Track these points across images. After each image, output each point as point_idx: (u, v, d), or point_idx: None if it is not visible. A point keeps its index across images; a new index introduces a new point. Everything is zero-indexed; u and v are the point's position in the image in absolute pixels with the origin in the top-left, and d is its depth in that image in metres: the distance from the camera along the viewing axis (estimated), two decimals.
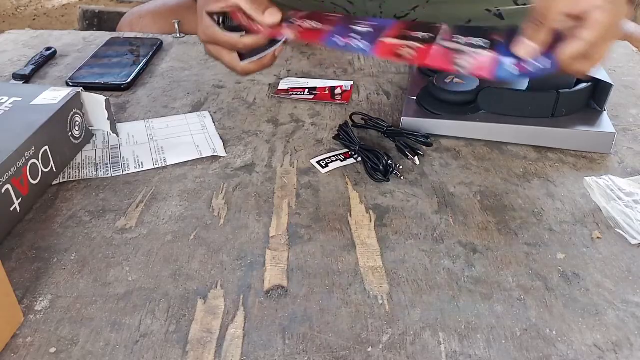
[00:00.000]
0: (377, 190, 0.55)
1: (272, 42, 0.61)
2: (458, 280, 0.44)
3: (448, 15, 0.98)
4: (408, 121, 0.63)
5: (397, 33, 0.56)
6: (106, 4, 3.04)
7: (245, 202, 0.53)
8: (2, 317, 0.38)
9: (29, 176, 0.51)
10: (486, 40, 0.53)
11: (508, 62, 0.50)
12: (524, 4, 0.96)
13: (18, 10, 3.22)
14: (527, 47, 0.50)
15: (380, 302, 0.42)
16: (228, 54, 0.62)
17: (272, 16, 0.59)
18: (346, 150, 0.61)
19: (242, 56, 0.62)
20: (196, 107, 0.70)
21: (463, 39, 0.54)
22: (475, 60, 0.51)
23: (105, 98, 0.61)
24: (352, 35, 0.56)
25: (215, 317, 0.41)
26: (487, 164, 0.59)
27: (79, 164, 0.59)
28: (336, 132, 0.63)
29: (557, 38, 0.50)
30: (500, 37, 0.54)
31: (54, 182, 0.56)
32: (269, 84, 0.76)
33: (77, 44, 0.89)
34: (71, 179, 0.56)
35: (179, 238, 0.49)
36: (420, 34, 0.55)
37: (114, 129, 0.63)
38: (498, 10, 0.96)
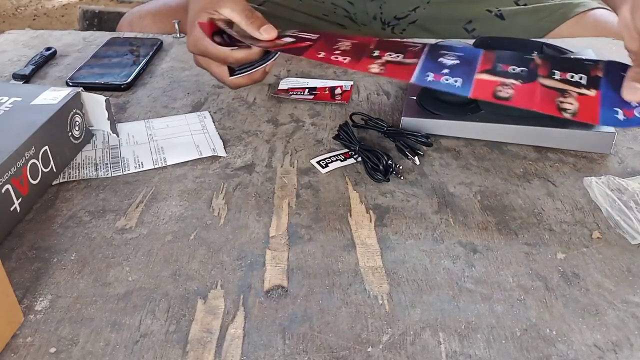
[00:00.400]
0: (377, 190, 0.55)
1: (264, 57, 0.61)
2: (458, 280, 0.44)
3: (449, 16, 0.98)
4: (408, 121, 0.63)
5: (488, 66, 0.52)
6: (106, 4, 3.04)
7: (245, 202, 0.53)
8: (2, 317, 0.38)
9: (29, 176, 0.51)
10: (584, 76, 0.49)
11: (612, 104, 0.46)
12: (525, 4, 0.96)
13: (18, 10, 3.22)
14: (636, 92, 0.46)
15: (380, 302, 0.42)
16: (217, 67, 0.62)
17: (268, 33, 0.58)
18: (346, 150, 0.61)
19: (233, 70, 0.62)
20: (196, 107, 0.70)
21: (559, 74, 0.49)
22: (580, 104, 0.47)
23: (105, 98, 0.61)
24: (443, 71, 0.52)
25: (215, 317, 0.41)
26: (487, 164, 0.59)
27: (79, 164, 0.59)
28: (336, 132, 0.63)
29: None
30: (600, 73, 0.50)
31: (54, 182, 0.56)
32: (269, 84, 0.76)
33: (77, 44, 0.89)
34: (71, 179, 0.56)
35: (179, 238, 0.49)
36: (511, 68, 0.51)
37: (114, 129, 0.63)
38: (499, 10, 0.96)
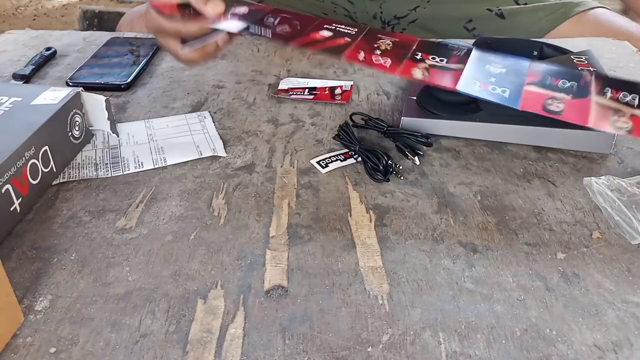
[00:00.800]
0: (377, 190, 0.55)
1: (216, 30, 0.59)
2: (458, 280, 0.44)
3: (449, 15, 0.98)
4: (408, 121, 0.63)
5: (536, 78, 0.50)
6: (106, 4, 3.04)
7: (245, 202, 0.53)
8: (2, 317, 0.38)
9: (29, 176, 0.51)
10: (637, 96, 0.47)
11: None
12: (525, 4, 0.96)
13: (18, 10, 3.22)
14: None
15: (380, 302, 0.42)
16: (173, 42, 0.62)
17: (215, 7, 0.57)
18: (346, 150, 0.61)
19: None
20: (196, 107, 0.70)
21: (610, 93, 0.47)
22: (634, 123, 0.45)
23: (105, 98, 0.61)
24: (490, 80, 0.49)
25: (215, 317, 0.41)
26: (487, 164, 0.59)
27: (79, 164, 0.59)
28: (336, 132, 0.63)
29: None
30: None
31: (54, 182, 0.56)
32: (269, 84, 0.76)
33: (77, 44, 0.89)
34: (71, 179, 0.56)
35: (179, 238, 0.49)
36: (562, 82, 0.49)
37: (114, 129, 0.63)
38: (499, 9, 0.96)
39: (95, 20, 1.15)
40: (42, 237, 0.49)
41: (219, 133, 0.64)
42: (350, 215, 0.51)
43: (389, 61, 0.51)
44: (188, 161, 0.59)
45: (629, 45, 0.87)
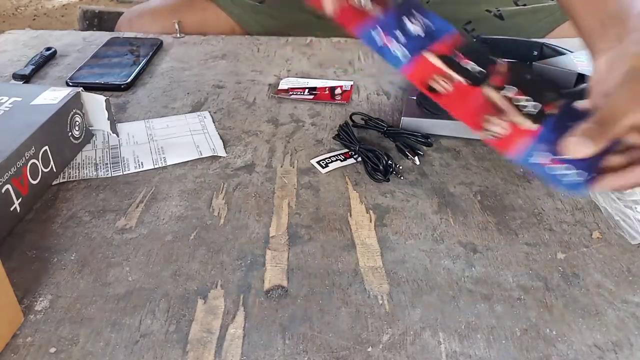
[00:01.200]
0: (377, 190, 0.55)
1: None
2: (458, 280, 0.44)
3: (448, 16, 0.98)
4: (408, 121, 0.63)
5: (446, 50, 0.45)
6: (106, 4, 3.04)
7: (245, 202, 0.53)
8: (2, 317, 0.38)
9: (29, 176, 0.51)
10: (537, 105, 0.44)
11: (542, 148, 0.41)
12: (524, 5, 0.96)
13: (18, 10, 3.22)
14: (578, 148, 0.40)
15: (380, 302, 0.42)
16: None
17: None
18: (346, 150, 0.61)
19: None
20: (196, 107, 0.70)
21: (512, 92, 0.44)
22: (508, 131, 0.42)
23: (105, 98, 0.61)
24: (397, 34, 0.45)
25: (215, 317, 0.41)
26: (487, 164, 0.59)
27: (79, 164, 0.59)
28: (336, 132, 0.63)
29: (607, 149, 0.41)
30: (554, 110, 0.44)
31: (54, 182, 0.56)
32: (269, 84, 0.76)
33: (77, 44, 0.89)
34: (71, 179, 0.56)
35: (179, 238, 0.49)
36: (471, 65, 0.45)
37: (114, 129, 0.63)
38: (498, 10, 0.96)
39: (95, 20, 1.14)
40: (42, 237, 0.49)
41: (219, 133, 0.64)
42: (350, 215, 0.51)
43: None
44: (188, 161, 0.59)
45: None
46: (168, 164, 0.59)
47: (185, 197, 0.54)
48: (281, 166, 0.59)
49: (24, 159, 0.50)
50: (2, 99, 0.56)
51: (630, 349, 0.39)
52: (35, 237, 0.49)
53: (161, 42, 0.88)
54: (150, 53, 0.83)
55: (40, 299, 0.43)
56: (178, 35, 0.92)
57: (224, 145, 0.62)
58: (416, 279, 0.44)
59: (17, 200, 0.50)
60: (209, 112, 0.69)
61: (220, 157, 0.60)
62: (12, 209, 0.49)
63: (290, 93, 0.73)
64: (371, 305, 0.42)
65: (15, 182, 0.49)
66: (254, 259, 0.47)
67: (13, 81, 0.76)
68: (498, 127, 0.41)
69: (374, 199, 0.53)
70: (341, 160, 0.59)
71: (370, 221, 0.51)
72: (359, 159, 0.59)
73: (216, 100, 0.72)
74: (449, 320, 0.41)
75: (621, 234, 0.49)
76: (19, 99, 0.57)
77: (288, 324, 0.41)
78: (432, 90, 0.44)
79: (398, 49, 0.44)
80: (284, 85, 0.76)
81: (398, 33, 0.45)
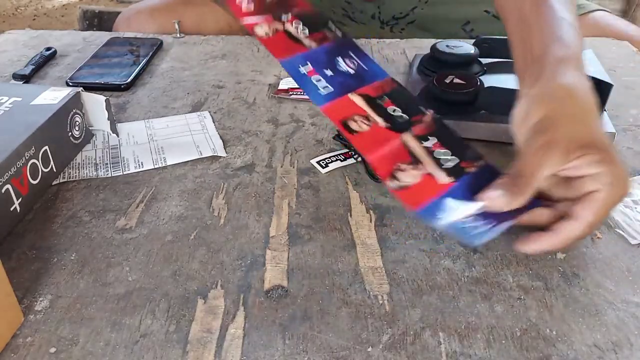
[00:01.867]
0: (377, 190, 0.55)
1: None
2: (458, 280, 0.44)
3: (446, 16, 0.98)
4: None
5: (373, 92, 0.44)
6: (106, 4, 3.04)
7: (245, 202, 0.53)
8: (2, 317, 0.38)
9: (29, 176, 0.51)
10: (455, 159, 0.43)
11: (455, 203, 0.40)
12: None
13: (18, 10, 3.22)
14: (498, 202, 0.40)
15: (380, 302, 0.42)
16: None
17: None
18: (346, 150, 0.61)
19: None
20: (196, 107, 0.70)
21: (432, 143, 0.42)
22: (419, 183, 0.40)
23: (105, 98, 0.61)
24: (326, 72, 0.43)
25: (215, 317, 0.41)
26: None
27: (79, 164, 0.59)
28: (336, 132, 0.63)
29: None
30: (472, 169, 0.43)
31: (54, 182, 0.56)
32: (269, 84, 0.76)
33: (77, 44, 0.89)
34: (71, 179, 0.56)
35: (179, 238, 0.49)
36: (394, 109, 0.44)
37: (114, 129, 0.63)
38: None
39: (95, 20, 1.14)
40: (42, 237, 0.49)
41: (219, 133, 0.64)
42: (350, 215, 0.51)
43: (252, 6, 0.45)
44: (188, 161, 0.59)
45: (629, 46, 0.87)
46: (168, 164, 0.59)
47: (185, 197, 0.54)
48: (281, 166, 0.59)
49: (23, 159, 0.50)
50: (2, 99, 0.56)
51: (630, 349, 0.39)
52: (35, 237, 0.49)
53: (161, 42, 0.88)
54: (150, 53, 0.83)
55: (40, 299, 0.43)
56: (178, 35, 0.92)
57: (224, 145, 0.62)
58: (416, 279, 0.44)
59: (17, 200, 0.50)
60: (209, 112, 0.69)
61: (220, 157, 0.60)
62: (12, 208, 0.49)
63: (290, 93, 0.73)
64: (371, 305, 0.42)
65: (15, 182, 0.49)
66: (254, 259, 0.47)
67: (13, 81, 0.76)
68: (409, 176, 0.40)
69: (374, 199, 0.53)
70: (341, 160, 0.59)
71: (371, 221, 0.51)
72: (359, 159, 0.59)
73: (216, 100, 0.72)
74: (449, 320, 0.41)
75: (621, 233, 0.49)
76: (19, 99, 0.57)
77: (288, 324, 0.41)
78: (348, 128, 0.43)
79: (320, 82, 0.43)
80: (284, 85, 0.76)
81: (327, 71, 0.44)
